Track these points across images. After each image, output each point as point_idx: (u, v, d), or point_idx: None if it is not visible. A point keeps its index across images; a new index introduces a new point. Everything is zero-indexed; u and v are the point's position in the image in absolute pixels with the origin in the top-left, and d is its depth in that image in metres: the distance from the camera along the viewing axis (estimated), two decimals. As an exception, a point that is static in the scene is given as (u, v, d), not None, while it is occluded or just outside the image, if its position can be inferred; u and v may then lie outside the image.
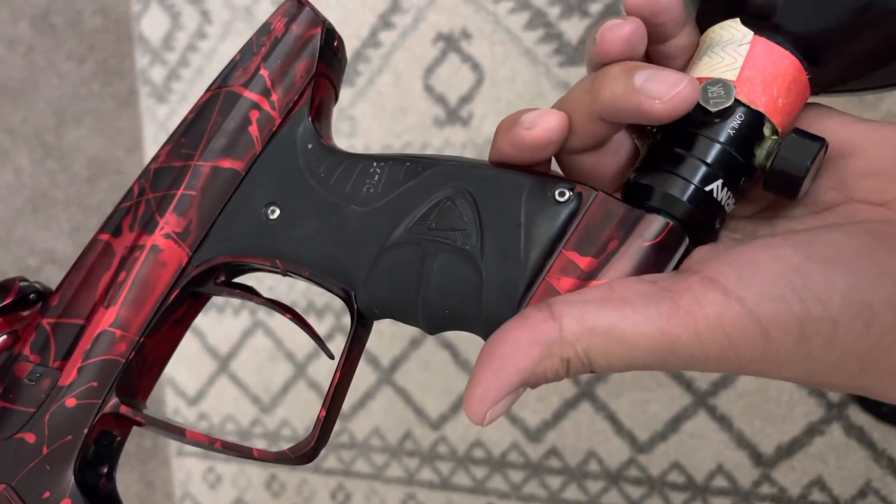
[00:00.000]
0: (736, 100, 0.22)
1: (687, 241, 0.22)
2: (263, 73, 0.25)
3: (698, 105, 0.22)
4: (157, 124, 0.73)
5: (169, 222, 0.24)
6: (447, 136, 0.60)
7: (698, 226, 0.22)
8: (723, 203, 0.22)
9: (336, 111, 0.64)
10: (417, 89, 0.61)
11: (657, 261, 0.21)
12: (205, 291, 0.26)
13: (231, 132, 0.24)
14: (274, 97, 0.25)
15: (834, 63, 0.23)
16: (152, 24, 0.72)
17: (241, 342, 0.71)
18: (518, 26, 0.57)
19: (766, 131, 0.22)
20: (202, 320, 0.73)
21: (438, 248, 0.23)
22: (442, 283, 0.22)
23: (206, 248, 0.24)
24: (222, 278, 0.25)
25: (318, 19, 0.25)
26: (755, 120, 0.22)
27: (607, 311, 0.19)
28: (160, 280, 0.24)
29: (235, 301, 0.71)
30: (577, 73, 0.56)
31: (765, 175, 0.22)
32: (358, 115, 0.64)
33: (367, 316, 0.24)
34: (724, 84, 0.22)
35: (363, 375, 0.66)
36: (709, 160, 0.22)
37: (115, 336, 0.24)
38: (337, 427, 0.68)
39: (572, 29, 0.56)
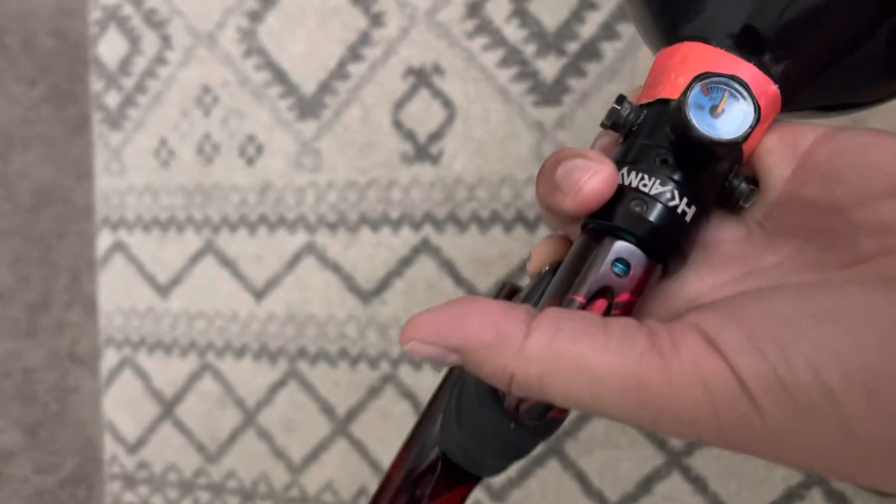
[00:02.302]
0: (634, 106, 0.22)
1: (614, 239, 0.21)
2: None
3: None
4: (110, 152, 0.69)
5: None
6: (415, 173, 0.58)
7: (623, 214, 0.21)
8: (636, 185, 0.21)
9: (300, 145, 0.61)
10: (386, 124, 0.59)
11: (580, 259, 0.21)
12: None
13: None
14: None
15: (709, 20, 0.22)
16: (109, 48, 0.69)
17: (187, 386, 0.67)
18: (492, 63, 0.55)
19: (672, 106, 0.21)
20: (147, 361, 0.68)
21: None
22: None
23: None
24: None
25: (506, 284, 0.29)
26: (660, 108, 0.22)
27: (581, 336, 0.17)
28: None
29: (183, 341, 0.67)
30: (552, 113, 0.54)
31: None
32: (323, 150, 0.61)
33: (450, 455, 0.24)
34: (617, 98, 0.23)
35: (316, 426, 0.62)
36: (616, 158, 0.22)
37: None
38: (286, 480, 0.63)
39: (548, 68, 0.54)
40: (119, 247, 0.69)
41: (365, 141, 0.59)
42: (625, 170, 0.21)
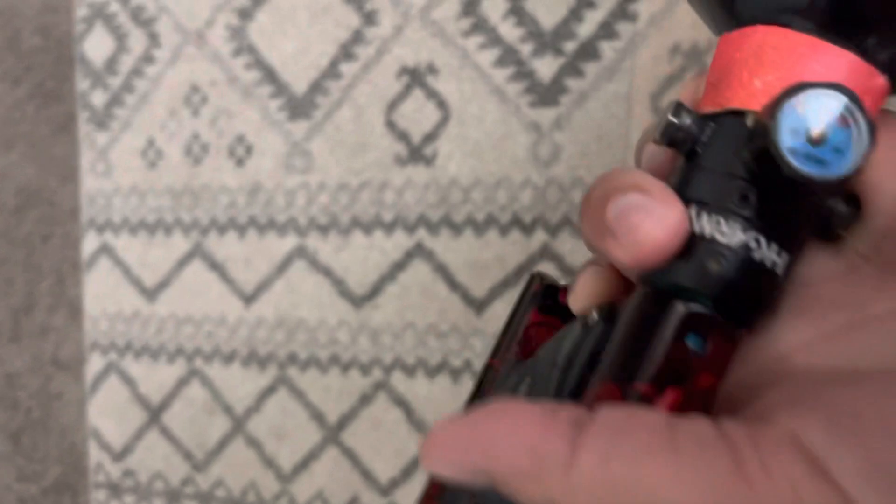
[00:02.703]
0: (695, 116, 0.17)
1: (680, 305, 0.16)
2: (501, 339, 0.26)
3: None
4: (96, 152, 0.67)
5: None
6: (409, 175, 0.56)
7: (696, 273, 0.16)
8: (710, 234, 0.16)
9: (290, 145, 0.60)
10: (378, 125, 0.57)
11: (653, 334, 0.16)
12: None
13: None
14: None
15: None
16: (95, 46, 0.67)
17: (174, 392, 0.65)
18: (488, 62, 0.54)
19: (750, 122, 0.16)
20: (133, 366, 0.66)
21: None
22: None
23: None
24: None
25: (535, 277, 0.26)
26: (731, 122, 0.17)
27: (643, 455, 0.13)
28: None
29: (170, 346, 0.65)
30: (549, 114, 0.53)
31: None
32: (314, 151, 0.59)
33: None
34: (674, 107, 0.17)
35: (306, 434, 0.60)
36: (679, 189, 0.17)
37: None
38: (275, 489, 0.62)
39: (545, 67, 0.53)
40: (105, 249, 0.68)
41: (357, 142, 0.58)
42: (693, 210, 0.16)
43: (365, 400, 0.59)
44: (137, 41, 0.65)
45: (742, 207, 0.16)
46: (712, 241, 0.16)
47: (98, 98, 0.67)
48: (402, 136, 0.57)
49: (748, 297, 0.16)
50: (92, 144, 0.68)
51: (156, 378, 0.66)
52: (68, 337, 0.70)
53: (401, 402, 0.58)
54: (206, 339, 0.64)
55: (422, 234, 0.56)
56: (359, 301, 0.59)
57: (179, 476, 0.65)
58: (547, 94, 0.53)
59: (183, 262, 0.64)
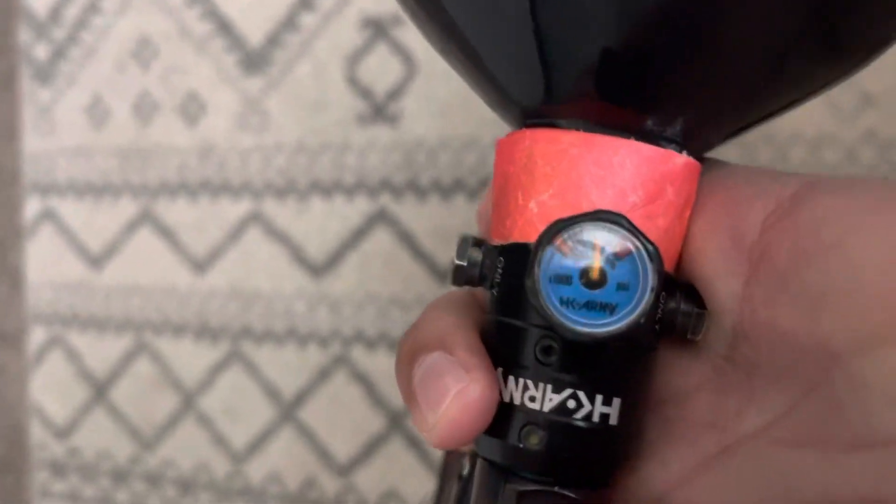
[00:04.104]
0: (487, 248, 0.15)
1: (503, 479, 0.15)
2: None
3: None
4: (39, 110, 0.63)
5: None
6: (372, 135, 0.53)
7: (515, 451, 0.14)
8: (520, 402, 0.14)
9: (245, 103, 0.56)
10: (339, 81, 0.54)
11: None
12: None
13: None
14: None
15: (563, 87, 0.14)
16: (38, -5, 0.62)
17: (121, 366, 0.61)
18: (457, 15, 0.51)
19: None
20: (78, 339, 0.63)
21: None
22: None
23: None
24: None
25: None
26: (519, 257, 0.14)
27: None
28: None
29: (117, 317, 0.61)
30: (522, 71, 0.49)
31: None
32: (271, 109, 0.55)
33: None
34: (459, 246, 0.15)
35: (260, 410, 0.57)
36: (489, 351, 0.15)
37: None
38: (228, 469, 0.58)
39: (518, 20, 0.49)
40: (48, 214, 0.63)
41: (316, 99, 0.54)
42: (500, 373, 0.14)
43: (323, 375, 0.55)
44: (83, -10, 0.61)
45: (547, 362, 0.14)
46: (525, 409, 0.14)
47: (41, 51, 0.63)
48: (365, 94, 0.53)
49: (587, 463, 0.14)
50: (35, 101, 0.63)
51: (102, 351, 0.62)
52: (10, 308, 0.66)
53: (361, 378, 0.54)
54: (155, 311, 0.60)
55: (385, 198, 0.53)
56: (318, 270, 0.55)
57: (127, 455, 0.62)
58: (520, 49, 0.49)
59: (131, 228, 0.60)
